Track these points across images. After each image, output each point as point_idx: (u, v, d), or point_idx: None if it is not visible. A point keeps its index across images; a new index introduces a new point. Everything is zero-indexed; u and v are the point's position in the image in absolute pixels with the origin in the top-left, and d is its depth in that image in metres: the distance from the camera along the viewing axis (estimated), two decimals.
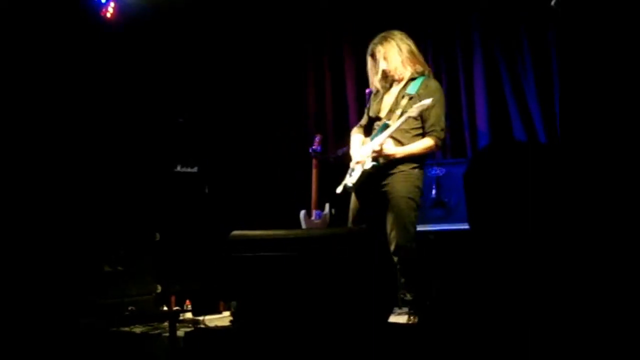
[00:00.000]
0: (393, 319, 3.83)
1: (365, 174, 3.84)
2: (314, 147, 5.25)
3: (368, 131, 4.06)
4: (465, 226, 4.52)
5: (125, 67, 5.07)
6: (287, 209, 5.37)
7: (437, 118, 3.80)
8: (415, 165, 3.81)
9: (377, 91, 4.05)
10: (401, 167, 3.79)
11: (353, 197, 3.95)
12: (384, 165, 3.81)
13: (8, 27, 4.42)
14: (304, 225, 5.05)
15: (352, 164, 3.98)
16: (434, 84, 3.88)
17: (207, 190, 4.86)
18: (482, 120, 5.22)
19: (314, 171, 5.16)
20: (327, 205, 5.15)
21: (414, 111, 3.70)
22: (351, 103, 5.81)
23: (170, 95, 5.32)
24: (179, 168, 4.71)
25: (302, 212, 5.11)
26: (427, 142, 3.79)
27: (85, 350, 3.37)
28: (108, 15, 5.01)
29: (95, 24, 4.95)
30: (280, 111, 6.13)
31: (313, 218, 5.07)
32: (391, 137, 3.78)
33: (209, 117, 5.66)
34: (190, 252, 4.78)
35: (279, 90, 6.14)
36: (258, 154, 5.93)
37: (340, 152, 4.98)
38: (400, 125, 3.74)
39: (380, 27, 5.67)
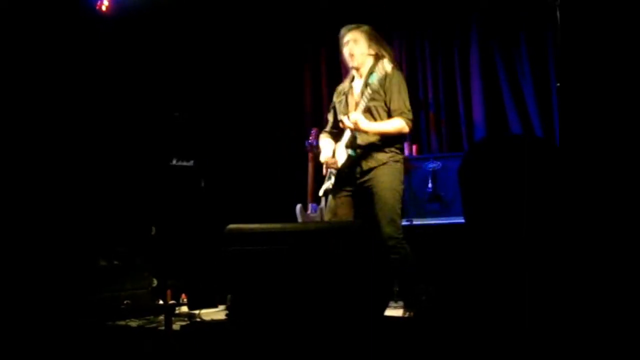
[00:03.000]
0: (389, 312, 3.84)
1: (344, 168, 3.90)
2: (309, 140, 5.24)
3: (335, 137, 4.14)
4: (462, 220, 4.53)
5: (121, 61, 5.05)
6: (283, 202, 5.37)
7: (400, 101, 3.84)
8: (395, 158, 3.86)
9: (340, 96, 4.13)
10: (382, 159, 3.83)
11: (330, 199, 4.02)
12: (361, 154, 3.85)
13: (1, 20, 4.40)
14: (300, 219, 5.05)
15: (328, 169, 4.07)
16: (393, 72, 3.86)
17: (203, 184, 4.85)
18: (479, 114, 5.23)
19: (309, 165, 5.15)
20: (323, 199, 5.15)
21: (375, 85, 3.75)
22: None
23: (166, 89, 5.31)
24: (174, 162, 4.70)
25: (298, 206, 5.11)
26: (397, 122, 3.82)
27: (81, 345, 3.37)
28: (103, 8, 5.00)
29: (90, 17, 4.93)
30: (277, 106, 6.12)
31: (309, 212, 5.07)
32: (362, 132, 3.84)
33: (205, 111, 5.65)
34: (186, 246, 4.78)
35: (276, 86, 6.14)
36: (254, 148, 5.92)
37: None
38: (368, 100, 3.79)
39: (379, 27, 5.71)
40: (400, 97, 3.85)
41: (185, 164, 4.71)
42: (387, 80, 3.83)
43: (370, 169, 3.84)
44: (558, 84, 3.45)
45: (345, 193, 3.93)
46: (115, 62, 5.01)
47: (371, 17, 5.75)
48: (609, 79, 3.23)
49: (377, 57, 3.92)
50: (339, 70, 6.05)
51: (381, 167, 3.82)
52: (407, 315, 3.75)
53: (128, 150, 4.85)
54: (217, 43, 5.84)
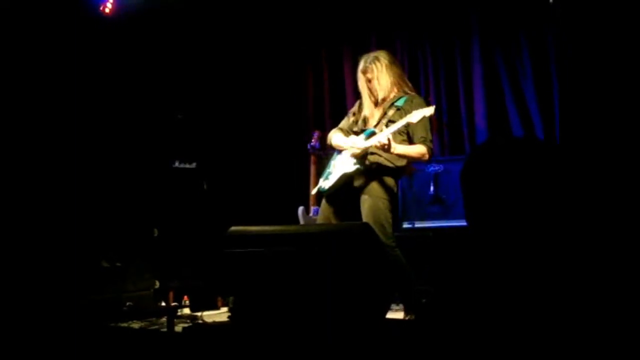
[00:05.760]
0: (390, 315, 3.84)
1: (344, 177, 3.95)
2: (312, 143, 5.25)
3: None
4: (463, 223, 4.53)
5: (124, 63, 5.06)
6: (285, 205, 5.38)
7: (425, 130, 3.94)
8: (392, 176, 3.94)
9: (359, 109, 4.17)
10: (380, 173, 3.91)
11: (324, 203, 4.08)
12: (366, 169, 3.92)
13: (5, 22, 4.41)
14: (302, 221, 5.05)
15: (331, 167, 4.11)
16: (418, 100, 4.04)
17: (205, 186, 4.86)
18: (480, 117, 5.23)
19: (312, 167, 5.16)
20: (323, 200, 5.16)
21: (414, 116, 3.78)
22: (349, 102, 5.81)
23: (169, 92, 5.32)
24: (177, 164, 4.72)
25: (300, 208, 5.12)
26: (421, 148, 3.91)
27: (83, 346, 3.38)
28: (107, 10, 5.00)
29: (94, 19, 4.94)
30: (279, 109, 6.13)
31: (311, 214, 5.07)
32: (375, 152, 3.90)
33: (207, 113, 5.65)
34: (189, 248, 4.78)
35: (278, 88, 6.15)
36: (256, 151, 5.93)
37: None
38: (401, 126, 3.83)
39: (380, 28, 5.73)
40: (424, 127, 3.94)
41: (187, 166, 4.72)
42: (413, 108, 3.90)
43: (366, 182, 3.92)
44: (559, 86, 3.46)
45: (339, 200, 4.00)
46: (119, 64, 5.01)
47: (372, 18, 5.79)
48: (609, 79, 3.24)
49: (397, 86, 4.04)
50: (341, 73, 6.06)
51: (375, 181, 3.90)
52: (407, 318, 3.77)
53: (131, 152, 4.86)
54: (219, 45, 5.85)
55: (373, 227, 3.73)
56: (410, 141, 3.95)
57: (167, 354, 3.40)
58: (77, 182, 4.54)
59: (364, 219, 3.83)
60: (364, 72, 4.06)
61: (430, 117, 4.05)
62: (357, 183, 3.93)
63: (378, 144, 3.78)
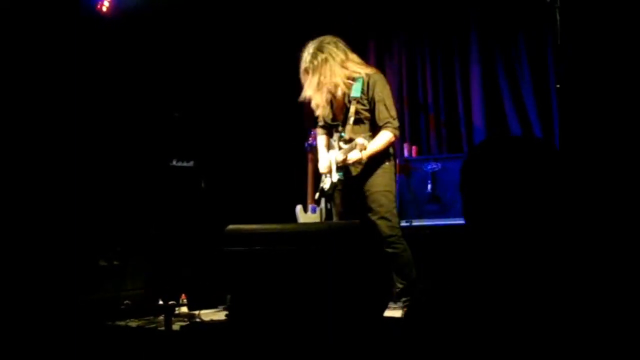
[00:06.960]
0: (388, 313, 3.85)
1: (334, 184, 4.00)
2: (309, 141, 5.25)
3: (329, 130, 4.21)
4: (461, 221, 4.53)
5: (121, 62, 5.05)
6: (283, 203, 5.38)
7: (385, 111, 3.88)
8: (385, 160, 3.93)
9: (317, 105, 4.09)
10: (372, 164, 3.91)
11: (332, 204, 4.16)
12: (352, 179, 3.97)
13: (3, 21, 4.40)
14: (299, 220, 5.05)
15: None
16: (374, 78, 3.90)
17: (203, 185, 4.85)
18: (478, 115, 5.24)
19: (309, 166, 5.16)
20: (322, 200, 5.16)
21: (358, 144, 3.71)
22: None
23: (166, 90, 5.31)
24: (174, 162, 4.71)
25: (298, 207, 5.12)
26: (386, 136, 3.86)
27: (81, 345, 3.37)
28: (104, 9, 4.99)
29: (91, 18, 4.93)
30: (276, 107, 6.12)
31: (309, 212, 5.08)
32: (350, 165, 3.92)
33: (205, 111, 5.65)
34: (186, 246, 4.78)
35: (275, 86, 6.14)
36: (254, 149, 5.93)
37: None
38: (355, 112, 3.85)
39: (379, 28, 5.74)
40: (384, 108, 3.88)
41: (185, 164, 4.71)
42: (370, 90, 3.86)
43: (363, 173, 3.94)
44: (558, 86, 3.46)
45: (344, 196, 4.06)
46: (116, 63, 5.01)
47: (370, 18, 5.79)
48: (608, 80, 3.24)
49: (345, 74, 3.91)
50: None
51: (371, 169, 3.92)
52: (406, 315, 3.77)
53: (128, 150, 4.85)
54: (217, 44, 5.84)
55: (379, 223, 3.78)
56: (373, 116, 3.88)
57: (165, 352, 3.39)
58: (75, 180, 4.53)
59: (369, 213, 3.86)
60: (306, 70, 3.91)
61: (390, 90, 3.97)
62: (355, 178, 3.97)
63: (340, 164, 3.84)
